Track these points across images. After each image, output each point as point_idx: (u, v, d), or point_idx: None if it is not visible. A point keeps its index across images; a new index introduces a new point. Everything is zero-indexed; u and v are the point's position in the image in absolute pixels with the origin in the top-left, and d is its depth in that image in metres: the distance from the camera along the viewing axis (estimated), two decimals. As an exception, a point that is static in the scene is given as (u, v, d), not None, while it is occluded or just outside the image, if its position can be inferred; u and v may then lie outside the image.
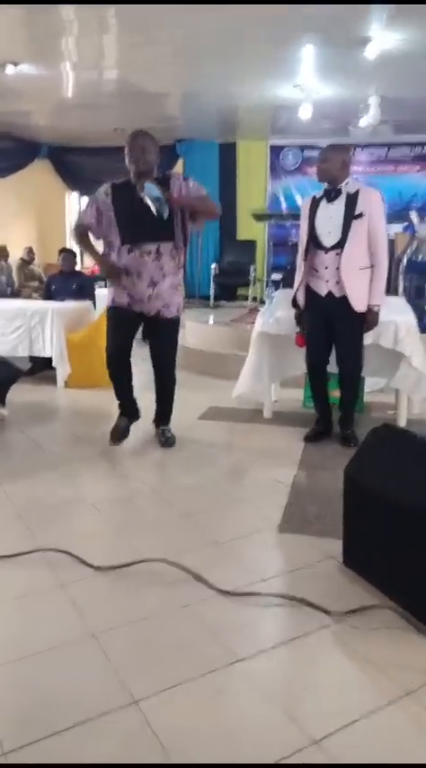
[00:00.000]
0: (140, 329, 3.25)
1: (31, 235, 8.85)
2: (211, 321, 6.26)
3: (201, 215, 3.05)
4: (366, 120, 6.25)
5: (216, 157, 8.88)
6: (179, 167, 8.85)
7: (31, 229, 8.95)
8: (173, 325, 3.17)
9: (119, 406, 3.30)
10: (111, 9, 4.13)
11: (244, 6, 4.01)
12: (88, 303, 5.18)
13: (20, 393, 3.98)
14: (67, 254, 5.48)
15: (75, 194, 9.63)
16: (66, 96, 6.46)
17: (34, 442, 3.35)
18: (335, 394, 3.40)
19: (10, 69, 5.27)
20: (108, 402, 4.46)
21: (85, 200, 9.36)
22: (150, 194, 2.81)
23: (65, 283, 5.28)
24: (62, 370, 4.57)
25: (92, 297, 5.35)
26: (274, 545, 2.19)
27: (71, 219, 9.55)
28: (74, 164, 9.19)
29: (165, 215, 2.84)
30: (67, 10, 4.16)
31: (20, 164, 8.45)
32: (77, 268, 5.92)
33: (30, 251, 8.31)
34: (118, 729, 1.29)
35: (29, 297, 7.00)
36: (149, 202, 2.80)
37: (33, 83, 5.76)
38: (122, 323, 3.09)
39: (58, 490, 2.65)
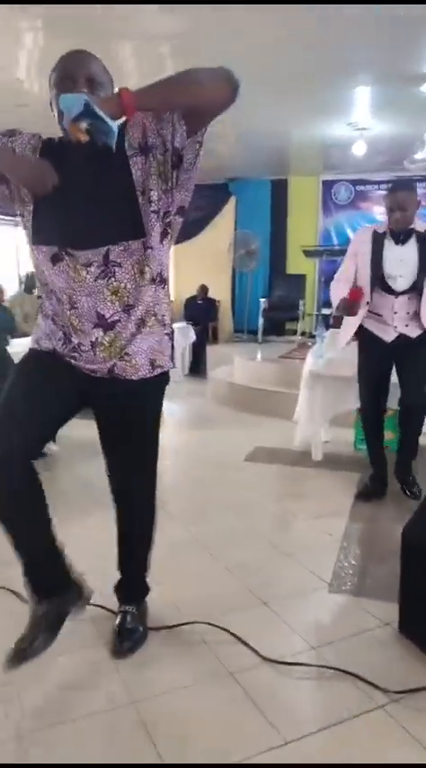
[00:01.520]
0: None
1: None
2: (259, 357, 6.20)
3: (195, 100, 1.38)
4: (423, 155, 6.17)
5: (267, 194, 8.97)
6: (231, 205, 9.00)
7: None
8: (152, 394, 1.59)
9: (25, 573, 1.55)
10: (166, 46, 4.24)
11: (299, 48, 4.06)
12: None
13: (67, 428, 4.01)
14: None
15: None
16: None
17: (81, 480, 3.34)
18: (389, 436, 3.24)
19: None
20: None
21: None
22: (70, 107, 1.24)
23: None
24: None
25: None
26: (324, 607, 2.05)
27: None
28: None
29: (111, 142, 1.29)
30: (124, 51, 4.31)
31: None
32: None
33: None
34: None
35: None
36: (77, 129, 1.25)
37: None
38: (38, 380, 1.50)
39: (98, 533, 2.61)
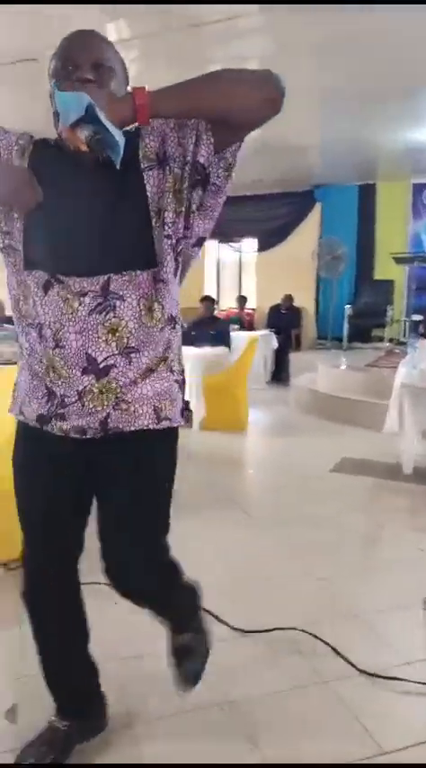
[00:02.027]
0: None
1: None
2: (344, 364, 6.13)
3: (229, 105, 1.09)
4: None
5: (354, 200, 8.83)
6: (316, 212, 8.95)
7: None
8: (158, 450, 1.26)
9: (52, 690, 1.39)
10: (253, 64, 4.34)
11: (386, 54, 4.02)
12: (225, 349, 5.38)
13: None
14: (207, 301, 5.76)
15: (214, 242, 10.09)
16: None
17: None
18: None
19: None
20: (240, 446, 4.56)
21: (224, 248, 9.83)
22: (67, 108, 1.01)
23: (204, 329, 5.52)
24: (198, 413, 4.74)
25: (228, 342, 5.55)
26: (420, 624, 2.03)
27: (209, 269, 9.98)
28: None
29: (116, 158, 1.06)
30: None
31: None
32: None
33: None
34: None
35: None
36: (76, 136, 1.01)
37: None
38: (41, 472, 1.27)
39: (188, 539, 2.72)
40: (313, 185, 8.79)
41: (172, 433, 1.26)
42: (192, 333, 5.61)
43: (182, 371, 1.29)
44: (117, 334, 1.14)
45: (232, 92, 1.08)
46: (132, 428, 1.19)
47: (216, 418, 4.71)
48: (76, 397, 1.16)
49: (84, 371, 1.15)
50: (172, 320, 1.22)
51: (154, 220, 1.14)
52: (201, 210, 1.18)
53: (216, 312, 6.30)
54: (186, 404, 1.31)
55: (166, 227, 1.15)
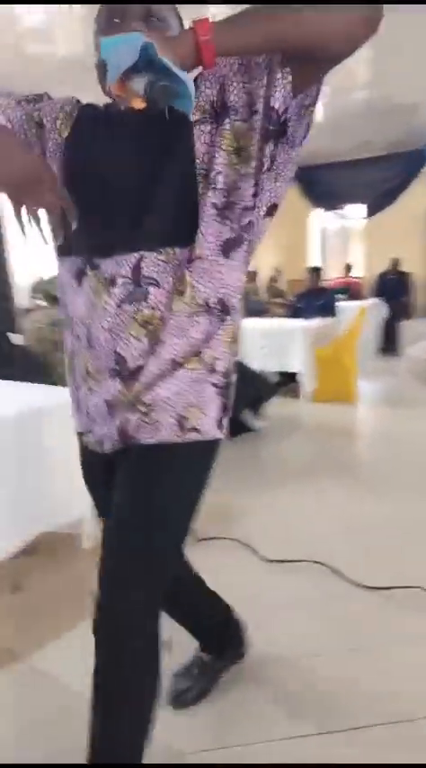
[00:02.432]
0: None
1: (277, 254, 9.40)
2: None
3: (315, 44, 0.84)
4: None
5: None
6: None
7: (277, 249, 9.51)
8: (180, 465, 1.03)
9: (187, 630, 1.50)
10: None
11: None
12: (333, 320, 5.34)
13: (268, 406, 4.31)
14: (314, 272, 5.73)
15: (318, 211, 9.89)
16: (317, 123, 6.73)
17: (284, 455, 3.60)
18: None
19: None
20: (351, 418, 4.55)
21: (330, 216, 9.62)
22: (116, 55, 0.76)
23: (311, 301, 5.52)
24: (309, 385, 4.79)
25: (334, 313, 5.50)
26: None
27: (313, 238, 9.81)
28: (321, 181, 9.44)
29: (188, 108, 0.80)
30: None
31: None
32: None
33: (276, 271, 8.85)
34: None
35: (275, 314, 7.48)
36: (128, 90, 0.78)
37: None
38: (90, 483, 1.22)
39: (307, 503, 2.82)
40: (424, 145, 8.28)
41: (201, 449, 1.02)
42: (299, 305, 5.63)
43: (227, 374, 1.03)
44: (149, 327, 0.96)
45: (325, 18, 0.81)
46: (151, 440, 0.98)
47: (326, 390, 4.73)
48: (105, 407, 1.02)
49: (112, 374, 0.98)
50: (211, 308, 0.98)
51: (201, 185, 0.92)
52: (275, 169, 0.95)
53: (322, 282, 6.24)
54: (227, 411, 1.05)
55: (216, 194, 0.93)
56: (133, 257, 0.94)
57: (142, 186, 0.94)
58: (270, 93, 0.90)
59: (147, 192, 0.94)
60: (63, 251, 1.04)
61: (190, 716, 1.48)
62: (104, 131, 1.00)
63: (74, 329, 1.04)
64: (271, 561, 2.22)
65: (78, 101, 1.06)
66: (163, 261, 0.94)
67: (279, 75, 0.89)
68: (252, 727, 1.44)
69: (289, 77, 0.89)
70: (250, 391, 3.93)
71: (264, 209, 0.99)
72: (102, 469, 1.12)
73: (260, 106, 0.91)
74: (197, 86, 0.93)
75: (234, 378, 1.07)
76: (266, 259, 9.04)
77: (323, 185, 9.35)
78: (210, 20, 0.80)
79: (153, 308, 0.96)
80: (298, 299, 5.86)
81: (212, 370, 1.01)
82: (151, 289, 0.95)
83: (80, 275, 1.00)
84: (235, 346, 1.05)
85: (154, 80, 0.77)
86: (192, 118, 0.93)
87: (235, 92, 0.92)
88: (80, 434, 1.15)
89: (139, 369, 0.98)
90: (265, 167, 0.94)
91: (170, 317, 0.97)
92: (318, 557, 2.21)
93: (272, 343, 4.92)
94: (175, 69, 0.77)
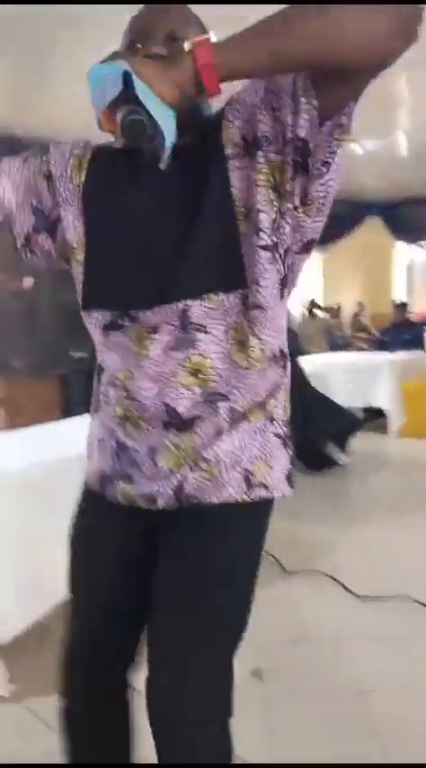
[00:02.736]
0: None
1: (360, 289, 9.35)
2: None
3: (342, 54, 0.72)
4: None
5: None
6: None
7: (360, 283, 9.47)
8: (242, 528, 0.93)
9: None
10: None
11: None
12: (420, 353, 5.24)
13: (354, 441, 4.26)
14: (401, 307, 5.69)
15: (401, 244, 9.78)
16: (401, 158, 6.76)
17: (371, 490, 3.54)
18: None
19: (358, 148, 5.87)
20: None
21: (414, 249, 9.48)
22: (101, 84, 0.73)
23: (398, 334, 5.45)
24: (396, 419, 4.69)
25: (422, 345, 5.39)
26: None
27: (398, 271, 9.69)
28: (405, 215, 9.36)
29: (162, 145, 0.75)
30: (399, 85, 4.42)
31: (352, 226, 9.06)
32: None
33: (360, 305, 8.80)
34: None
35: (359, 348, 7.41)
36: (112, 120, 0.75)
37: (373, 155, 6.23)
38: (97, 541, 1.01)
39: (395, 538, 2.76)
40: None
41: (265, 507, 0.94)
42: (385, 339, 5.57)
43: (287, 422, 0.96)
44: (200, 377, 0.88)
45: (349, 22, 0.70)
46: (213, 500, 0.89)
47: (414, 424, 4.61)
48: (150, 455, 0.91)
49: (166, 426, 0.90)
50: (277, 357, 0.92)
51: (242, 225, 0.84)
52: (307, 205, 0.84)
53: (409, 316, 6.15)
54: (291, 464, 0.97)
55: (262, 235, 0.84)
56: (177, 306, 0.85)
57: (178, 231, 0.85)
58: (297, 122, 0.79)
59: (184, 236, 0.84)
60: (87, 304, 0.93)
61: (268, 750, 1.50)
62: (126, 173, 0.91)
63: (107, 377, 0.95)
64: (360, 596, 2.20)
65: (88, 142, 0.97)
66: (211, 309, 0.85)
67: (303, 100, 0.77)
68: (333, 760, 1.44)
69: (314, 102, 0.77)
70: (335, 425, 3.93)
71: (300, 245, 0.88)
72: (121, 536, 0.97)
73: (290, 134, 0.80)
74: (225, 116, 0.85)
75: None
76: (349, 294, 9.02)
77: (407, 219, 9.25)
78: (212, 39, 0.72)
79: (202, 356, 0.87)
80: (385, 332, 5.81)
81: (274, 421, 0.94)
82: (199, 335, 0.86)
83: (110, 327, 0.91)
84: (289, 392, 0.97)
85: (126, 113, 0.72)
86: (227, 151, 0.84)
87: (264, 121, 0.82)
88: (91, 493, 1.00)
89: (194, 419, 0.88)
90: (298, 202, 0.84)
91: (227, 368, 0.88)
92: (406, 591, 2.16)
93: (357, 378, 4.89)
94: (152, 104, 0.71)
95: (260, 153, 0.83)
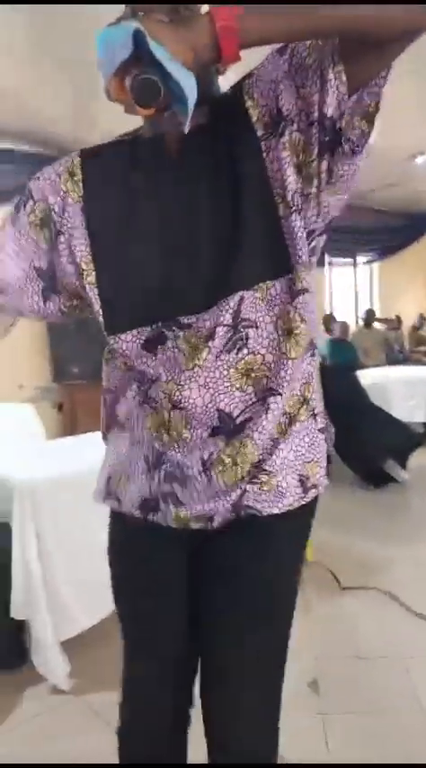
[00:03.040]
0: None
1: (420, 301, 9.13)
2: None
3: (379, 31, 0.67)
4: None
5: None
6: None
7: (420, 296, 9.24)
8: (295, 534, 0.93)
9: None
10: None
11: None
12: None
13: (414, 457, 4.15)
14: None
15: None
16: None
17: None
18: None
19: (420, 159, 5.77)
20: None
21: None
22: (111, 47, 0.66)
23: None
24: None
25: None
26: None
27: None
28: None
29: (182, 110, 0.67)
30: None
31: (413, 237, 8.88)
32: None
33: (421, 318, 8.58)
34: None
35: (419, 361, 7.20)
36: (122, 87, 0.67)
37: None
38: (146, 584, 0.96)
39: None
40: None
41: (313, 504, 0.91)
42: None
43: (326, 414, 0.93)
44: (253, 376, 0.83)
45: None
46: (274, 510, 0.85)
47: None
48: (200, 469, 0.84)
49: (213, 433, 0.84)
50: (312, 343, 0.88)
51: (281, 208, 0.79)
52: (330, 184, 0.79)
53: None
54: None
55: (295, 216, 0.79)
56: (233, 300, 0.79)
57: (217, 223, 0.79)
58: (324, 99, 0.73)
59: (226, 227, 0.79)
60: (120, 325, 0.85)
61: None
62: (137, 169, 0.84)
63: (144, 396, 0.87)
64: (418, 614, 2.15)
65: (72, 153, 0.89)
66: (259, 299, 0.81)
67: (331, 77, 0.72)
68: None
69: (343, 77, 0.72)
70: (394, 441, 3.85)
71: (322, 225, 0.83)
72: (174, 565, 0.92)
73: (316, 115, 0.74)
74: (250, 93, 0.79)
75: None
76: (409, 306, 8.81)
77: None
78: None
79: (254, 353, 0.82)
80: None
81: (316, 416, 0.90)
82: (250, 332, 0.81)
83: (155, 343, 0.83)
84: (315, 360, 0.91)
85: (137, 73, 0.65)
86: (258, 130, 0.78)
87: (288, 98, 0.76)
88: (126, 525, 0.94)
89: (246, 422, 0.84)
90: (324, 183, 0.78)
91: (280, 363, 0.83)
92: None
93: (418, 392, 4.76)
94: (168, 62, 0.64)
95: (287, 131, 0.76)
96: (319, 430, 0.91)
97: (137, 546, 0.94)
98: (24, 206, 0.88)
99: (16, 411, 2.77)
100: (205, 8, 0.73)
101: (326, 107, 0.73)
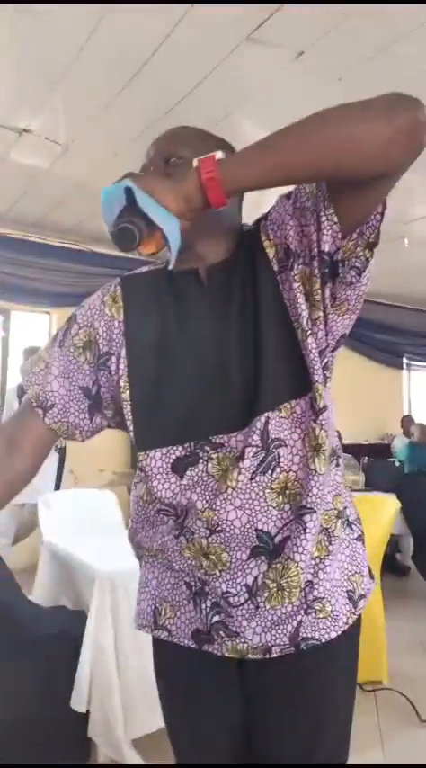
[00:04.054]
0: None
1: None
2: None
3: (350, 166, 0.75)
4: None
5: None
6: None
7: None
8: (351, 650, 0.92)
9: None
10: None
11: None
12: None
13: None
14: None
15: None
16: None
17: None
18: None
19: None
20: None
21: None
22: (110, 204, 0.79)
23: None
24: None
25: None
26: None
27: None
28: None
29: (170, 256, 0.82)
30: None
31: None
32: None
33: None
34: None
35: None
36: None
37: None
38: (201, 717, 0.94)
39: None
40: None
41: (361, 618, 0.90)
42: None
43: (359, 519, 0.94)
44: (287, 494, 0.84)
45: (345, 133, 0.73)
46: (332, 635, 0.84)
47: None
48: (246, 595, 0.84)
49: (252, 554, 0.84)
50: (334, 453, 0.90)
51: (299, 333, 0.85)
52: (335, 307, 0.86)
53: None
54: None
55: (311, 339, 0.85)
56: (260, 422, 0.83)
57: (242, 349, 0.86)
58: (320, 238, 0.81)
59: (250, 353, 0.86)
60: (150, 441, 0.88)
61: None
62: (170, 297, 0.92)
63: (178, 523, 0.87)
64: None
65: (116, 279, 0.99)
66: (284, 418, 0.84)
67: (323, 217, 0.80)
68: None
69: (334, 218, 0.79)
70: None
71: (334, 343, 0.90)
72: (216, 691, 0.90)
73: (316, 250, 0.82)
74: (265, 233, 0.89)
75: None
76: None
77: None
78: (218, 156, 0.79)
79: (286, 472, 0.84)
80: None
81: (350, 524, 0.91)
82: (281, 451, 0.84)
83: (184, 466, 0.86)
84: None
85: (117, 222, 0.76)
86: (274, 265, 0.87)
87: (295, 236, 0.85)
88: (168, 649, 0.92)
89: (285, 541, 0.83)
90: (329, 307, 0.86)
91: (311, 479, 0.84)
92: None
93: None
94: (153, 211, 0.76)
95: (296, 265, 0.85)
96: (356, 539, 0.91)
97: (187, 672, 0.92)
98: (70, 330, 0.96)
99: (99, 498, 2.89)
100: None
101: (323, 244, 0.81)
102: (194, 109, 2.84)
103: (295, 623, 0.83)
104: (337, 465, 0.91)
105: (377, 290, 5.79)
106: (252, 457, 0.82)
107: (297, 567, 0.82)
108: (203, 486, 0.84)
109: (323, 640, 0.84)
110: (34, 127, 3.12)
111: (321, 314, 0.85)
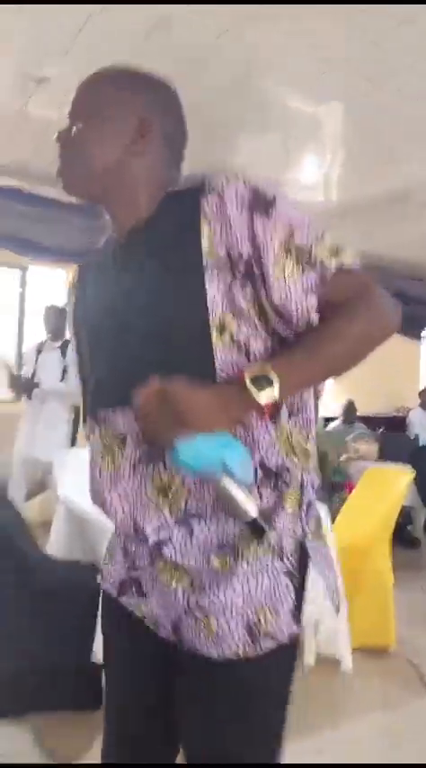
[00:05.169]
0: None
1: None
2: None
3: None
4: None
5: None
6: None
7: None
8: (257, 683, 0.79)
9: None
10: None
11: None
12: None
13: None
14: None
15: None
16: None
17: None
18: None
19: None
20: None
21: None
22: (195, 462, 0.72)
23: None
24: None
25: None
26: None
27: None
28: None
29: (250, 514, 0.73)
30: None
31: None
32: None
33: None
34: None
35: None
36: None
37: None
38: (120, 664, 0.98)
39: None
40: None
41: (278, 656, 0.79)
42: None
43: (303, 556, 0.80)
44: (169, 495, 0.78)
45: (363, 346, 0.79)
46: (213, 653, 0.77)
47: None
48: (148, 559, 0.82)
49: (139, 544, 0.83)
50: (272, 475, 0.78)
51: (213, 333, 0.77)
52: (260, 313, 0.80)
53: None
54: (303, 594, 0.80)
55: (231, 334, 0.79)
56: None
57: (141, 328, 0.80)
58: (272, 286, 0.77)
59: (148, 334, 0.79)
60: (84, 410, 0.92)
61: None
62: (108, 272, 0.89)
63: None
64: None
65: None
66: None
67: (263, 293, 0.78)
68: None
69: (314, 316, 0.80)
70: None
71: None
72: (150, 652, 0.88)
73: (257, 273, 0.78)
74: (208, 222, 0.78)
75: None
76: None
77: None
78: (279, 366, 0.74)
79: (170, 472, 0.77)
80: None
81: (281, 554, 0.78)
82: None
83: (90, 430, 0.87)
84: (309, 518, 0.82)
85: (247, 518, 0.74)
86: (204, 261, 0.78)
87: (241, 250, 0.77)
88: (108, 597, 0.93)
89: (164, 543, 0.78)
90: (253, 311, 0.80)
91: (205, 486, 0.76)
92: None
93: None
94: (234, 467, 0.72)
95: (233, 270, 0.77)
96: (285, 573, 0.78)
97: (113, 622, 0.95)
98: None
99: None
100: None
101: (274, 297, 0.77)
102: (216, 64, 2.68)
103: (174, 614, 0.80)
104: (275, 488, 0.79)
105: (400, 260, 5.63)
106: (132, 445, 0.79)
107: (182, 569, 0.79)
108: (95, 455, 0.87)
109: (202, 652, 0.78)
110: (52, 75, 2.99)
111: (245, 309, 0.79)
